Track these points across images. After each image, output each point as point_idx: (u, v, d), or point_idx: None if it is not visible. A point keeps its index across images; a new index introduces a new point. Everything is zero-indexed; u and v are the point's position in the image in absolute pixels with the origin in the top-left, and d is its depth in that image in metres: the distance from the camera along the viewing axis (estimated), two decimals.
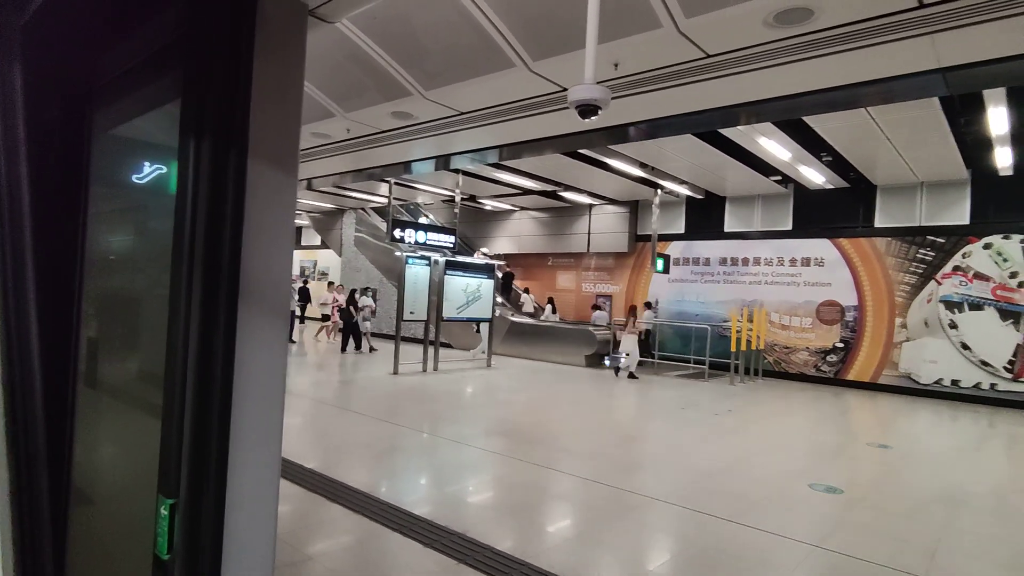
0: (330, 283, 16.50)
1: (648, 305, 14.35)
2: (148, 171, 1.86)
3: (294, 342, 15.57)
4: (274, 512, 1.57)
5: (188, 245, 1.35)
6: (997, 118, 7.68)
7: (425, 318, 11.76)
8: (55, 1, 1.65)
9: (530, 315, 16.48)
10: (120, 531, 1.83)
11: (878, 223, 12.15)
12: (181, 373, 1.34)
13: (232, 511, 1.43)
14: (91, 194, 2.01)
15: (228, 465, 1.41)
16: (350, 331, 14.34)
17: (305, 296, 17.61)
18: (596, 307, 15.43)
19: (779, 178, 12.17)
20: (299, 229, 25.65)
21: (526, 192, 15.10)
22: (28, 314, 1.78)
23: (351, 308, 14.26)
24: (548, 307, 16.71)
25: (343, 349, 14.25)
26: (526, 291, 17.80)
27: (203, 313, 1.35)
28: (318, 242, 23.96)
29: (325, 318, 16.04)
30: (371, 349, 14.56)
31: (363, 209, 19.47)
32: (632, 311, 12.57)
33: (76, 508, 1.88)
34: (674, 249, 14.99)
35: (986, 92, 6.88)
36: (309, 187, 12.50)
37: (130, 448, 1.84)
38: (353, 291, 14.78)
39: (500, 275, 15.38)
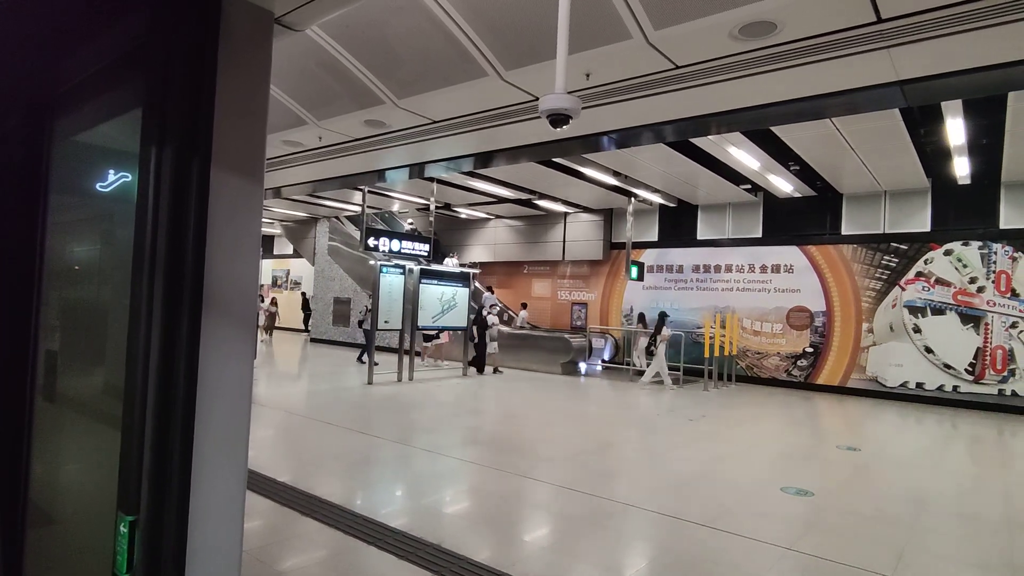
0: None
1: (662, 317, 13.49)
2: (110, 179, 1.82)
3: (363, 362, 13.90)
4: (240, 527, 1.54)
5: (149, 254, 1.32)
6: (955, 129, 7.95)
7: (400, 327, 11.68)
8: (8, 7, 1.61)
9: (505, 323, 16.47)
10: (79, 549, 1.78)
11: (845, 230, 12.46)
12: (142, 385, 1.31)
13: (196, 527, 1.39)
14: (50, 203, 1.96)
15: (191, 479, 1.38)
16: (476, 350, 13.03)
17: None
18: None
19: (749, 187, 12.41)
20: (271, 238, 25.29)
21: (501, 200, 15.13)
22: None
23: (475, 328, 12.96)
24: (523, 312, 16.68)
25: (464, 371, 12.97)
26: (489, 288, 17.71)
27: (165, 323, 1.32)
28: (291, 251, 23.65)
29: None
30: (495, 370, 13.37)
31: (337, 218, 19.30)
32: (662, 319, 12.79)
33: (33, 526, 1.82)
34: (648, 257, 15.16)
35: (944, 104, 7.13)
36: (280, 196, 12.35)
37: (90, 464, 1.79)
38: (480, 308, 13.46)
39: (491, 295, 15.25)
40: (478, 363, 13.22)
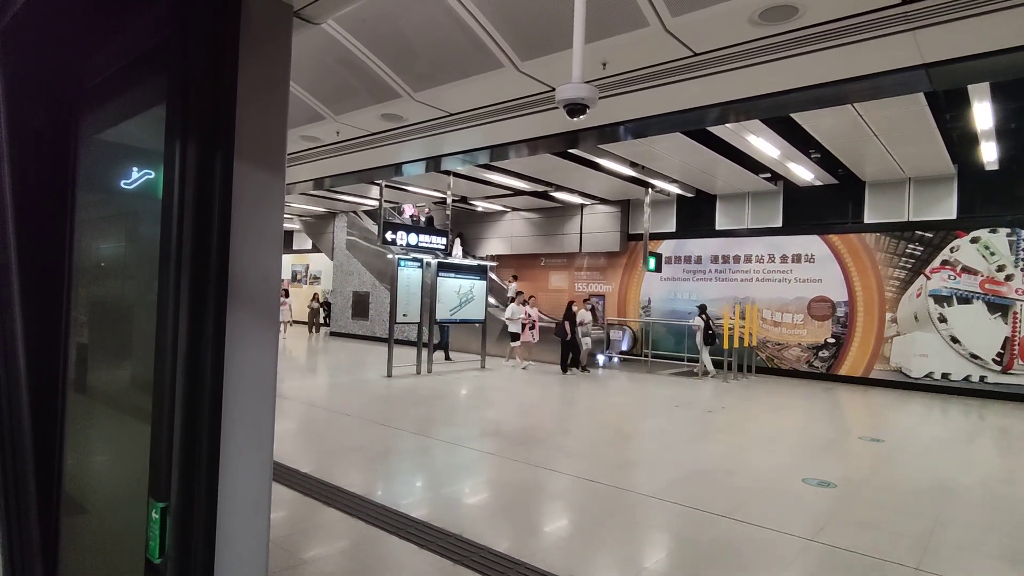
0: (518, 293, 13.69)
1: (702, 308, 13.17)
2: (135, 175, 1.85)
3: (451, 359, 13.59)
4: (267, 515, 1.56)
5: (175, 249, 1.34)
6: (982, 113, 7.76)
7: (418, 320, 11.75)
8: (35, 5, 1.64)
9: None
10: (112, 536, 1.82)
11: (867, 219, 12.24)
12: (170, 376, 1.33)
13: (224, 514, 1.42)
14: (78, 199, 2.00)
15: (219, 467, 1.41)
16: (568, 348, 12.57)
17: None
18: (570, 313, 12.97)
19: (768, 175, 12.25)
20: (291, 233, 25.55)
21: (517, 193, 15.11)
22: (14, 321, 1.76)
23: (566, 324, 12.38)
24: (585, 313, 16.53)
25: (563, 369, 12.60)
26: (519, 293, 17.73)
27: (191, 316, 1.34)
28: (309, 246, 23.89)
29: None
30: (583, 368, 12.81)
31: (355, 212, 19.43)
32: (703, 309, 12.70)
33: (67, 515, 1.87)
34: (666, 248, 15.05)
35: (971, 87, 6.95)
36: (299, 191, 12.46)
37: (120, 453, 1.83)
38: (570, 304, 12.80)
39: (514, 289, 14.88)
40: (575, 361, 12.65)
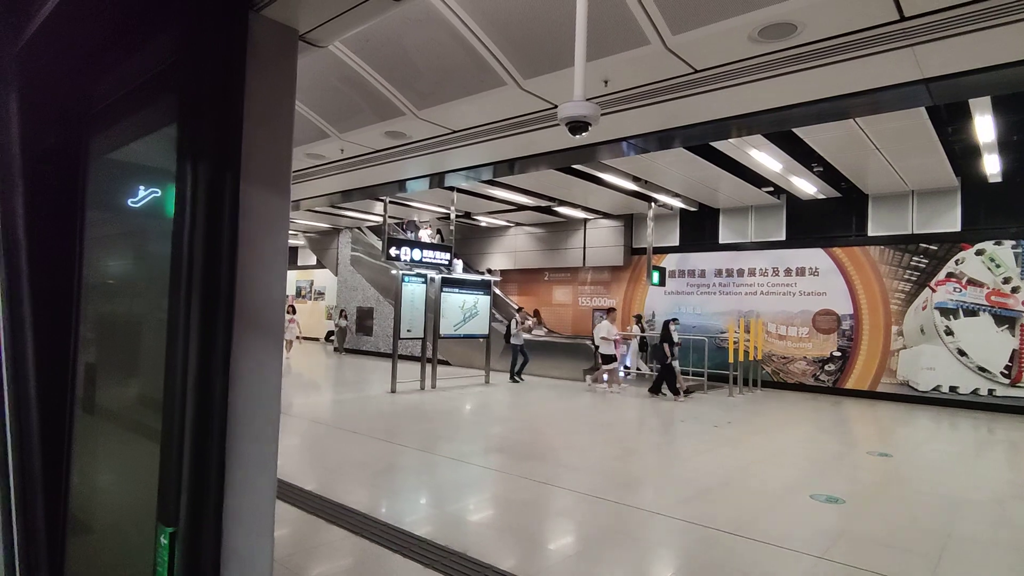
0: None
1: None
2: (143, 195, 1.87)
3: (516, 380, 12.74)
4: (271, 535, 1.56)
5: (186, 268, 1.35)
6: (984, 126, 7.78)
7: (422, 336, 11.74)
8: (49, 29, 1.67)
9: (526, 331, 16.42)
10: (118, 558, 1.82)
11: (871, 232, 12.23)
12: (180, 399, 1.33)
13: (230, 537, 1.42)
14: (87, 218, 2.02)
15: (225, 490, 1.40)
16: (666, 373, 11.35)
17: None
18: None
19: (771, 189, 12.27)
20: (295, 249, 25.67)
21: (521, 208, 15.17)
22: (25, 340, 1.77)
23: (665, 345, 11.23)
24: (531, 320, 16.59)
25: (656, 390, 11.56)
26: (519, 309, 17.74)
27: (202, 338, 1.34)
28: (314, 262, 23.98)
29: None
30: (682, 392, 11.32)
31: (359, 228, 19.53)
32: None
33: (73, 537, 1.86)
34: (669, 261, 15.05)
35: (972, 101, 6.98)
36: (305, 208, 12.55)
37: (126, 474, 1.83)
38: (667, 323, 11.61)
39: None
40: (671, 385, 11.34)
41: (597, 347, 12.25)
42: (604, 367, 12.05)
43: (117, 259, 2.05)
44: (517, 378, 13.02)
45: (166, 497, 1.35)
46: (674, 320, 12.03)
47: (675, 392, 11.23)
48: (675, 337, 11.54)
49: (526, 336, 13.55)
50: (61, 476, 1.84)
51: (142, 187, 1.86)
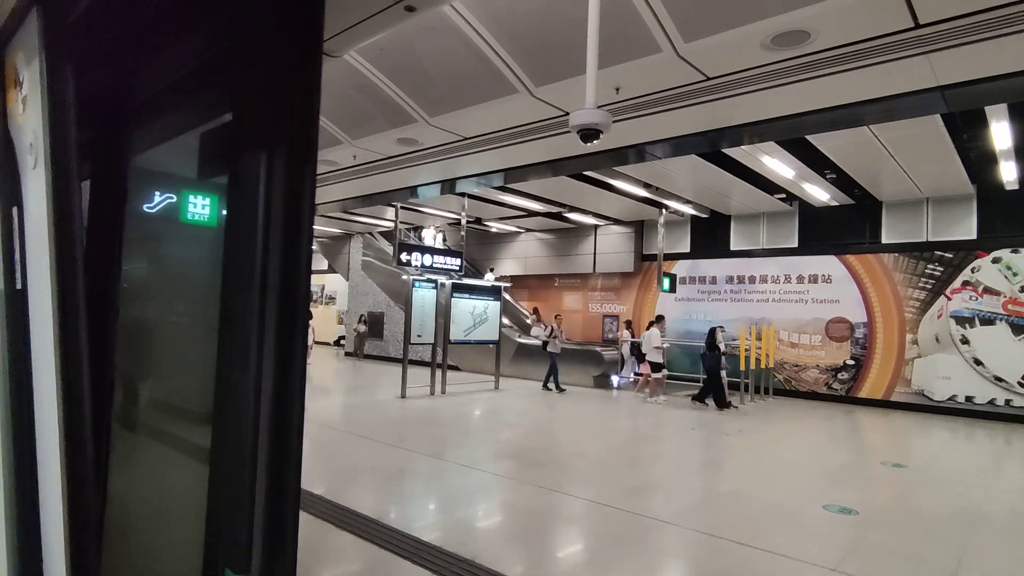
0: (659, 317, 12.60)
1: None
2: (184, 193, 1.71)
3: (549, 388, 12.43)
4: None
5: (260, 270, 1.14)
6: (1000, 133, 7.69)
7: (432, 341, 11.77)
8: (90, 20, 1.60)
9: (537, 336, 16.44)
10: None
11: (885, 239, 12.11)
12: (253, 423, 1.09)
13: None
14: (128, 218, 1.87)
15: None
16: (714, 383, 10.94)
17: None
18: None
19: (783, 196, 12.19)
20: None
21: (531, 214, 15.19)
22: (80, 351, 1.62)
23: (716, 351, 10.82)
24: (534, 318, 16.55)
25: (700, 399, 11.13)
26: (535, 311, 17.71)
27: (279, 350, 1.12)
28: (325, 266, 24.13)
29: None
30: (727, 405, 10.79)
31: (370, 233, 19.64)
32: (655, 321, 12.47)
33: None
34: (680, 268, 14.98)
35: (988, 108, 6.91)
36: (317, 213, 12.64)
37: (174, 507, 1.64)
38: (713, 329, 11.18)
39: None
40: (718, 398, 10.92)
41: (636, 355, 12.01)
42: (654, 375, 11.75)
43: (159, 262, 1.92)
44: (554, 388, 12.54)
45: (234, 538, 1.12)
46: (720, 327, 11.64)
47: (721, 406, 10.73)
48: (722, 346, 11.19)
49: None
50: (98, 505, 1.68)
51: (188, 184, 1.69)
